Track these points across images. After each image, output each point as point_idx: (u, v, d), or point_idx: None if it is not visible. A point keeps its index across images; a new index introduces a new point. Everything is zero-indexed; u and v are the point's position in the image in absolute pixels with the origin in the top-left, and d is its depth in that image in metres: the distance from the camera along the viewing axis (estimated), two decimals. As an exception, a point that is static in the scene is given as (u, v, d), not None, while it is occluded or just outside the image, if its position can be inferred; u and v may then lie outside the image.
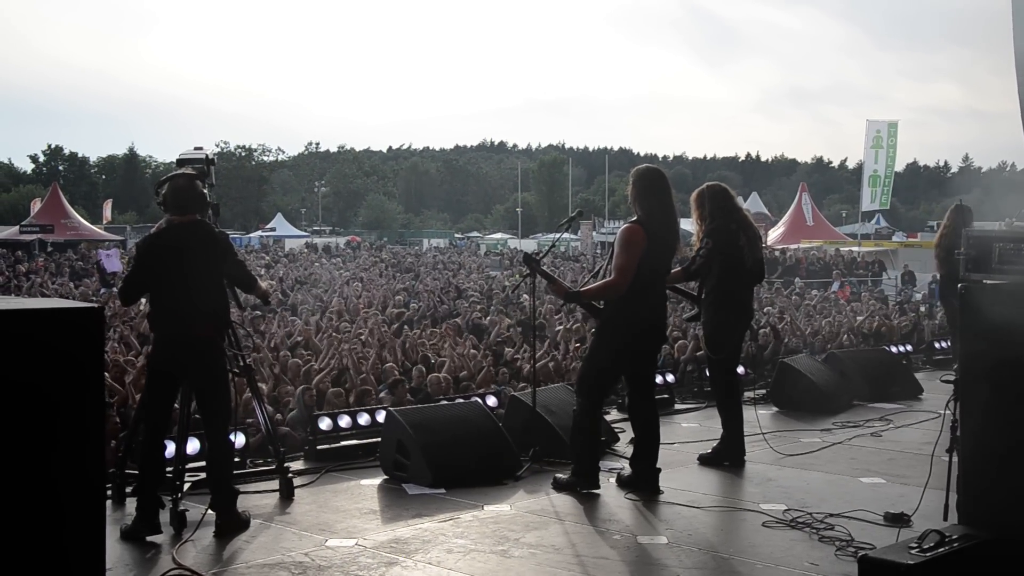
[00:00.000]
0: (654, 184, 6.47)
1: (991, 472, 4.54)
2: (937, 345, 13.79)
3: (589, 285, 6.72)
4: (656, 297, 6.48)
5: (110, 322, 12.75)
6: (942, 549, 4.23)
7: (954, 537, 4.35)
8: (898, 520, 5.68)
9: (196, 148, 6.63)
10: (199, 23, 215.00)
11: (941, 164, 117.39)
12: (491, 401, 8.28)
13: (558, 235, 9.53)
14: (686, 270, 7.29)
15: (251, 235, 63.38)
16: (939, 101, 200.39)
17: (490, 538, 5.50)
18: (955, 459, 4.84)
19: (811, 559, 5.15)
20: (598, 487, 6.47)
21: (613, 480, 6.68)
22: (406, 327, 14.37)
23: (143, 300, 6.94)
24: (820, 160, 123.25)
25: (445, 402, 8.00)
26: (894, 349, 12.62)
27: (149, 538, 5.42)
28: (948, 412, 4.87)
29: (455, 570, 4.97)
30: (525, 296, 17.33)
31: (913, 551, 4.19)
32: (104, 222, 54.67)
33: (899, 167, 47.67)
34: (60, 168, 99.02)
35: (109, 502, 5.91)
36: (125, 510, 5.92)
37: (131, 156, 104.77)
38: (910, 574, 4.04)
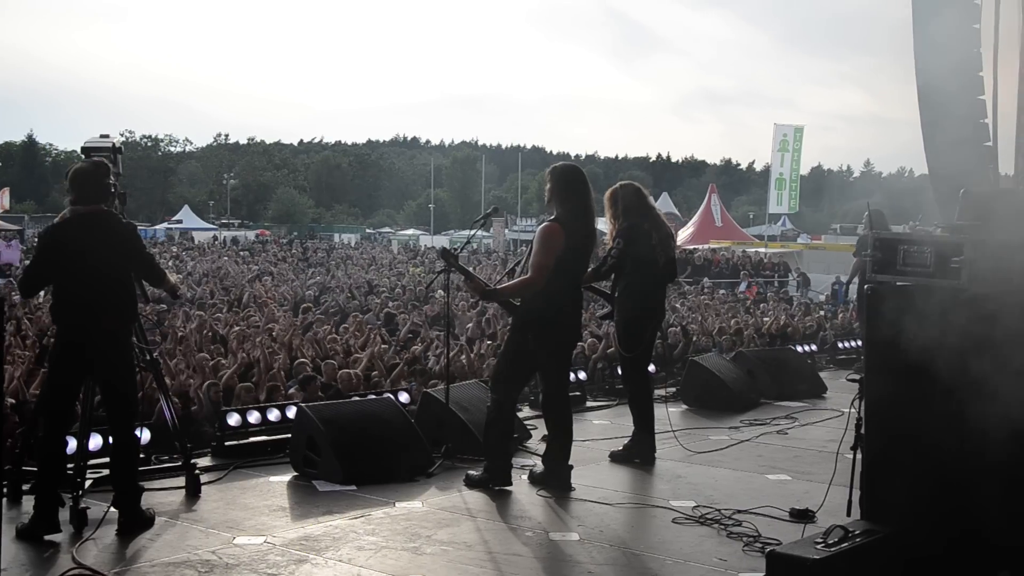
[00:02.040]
0: (574, 183, 6.48)
1: (892, 469, 4.67)
2: (840, 345, 14.14)
3: (505, 283, 6.73)
4: (571, 295, 6.50)
5: (10, 313, 12.33)
6: (845, 544, 4.33)
7: (857, 532, 4.46)
8: (803, 516, 5.81)
9: (102, 136, 6.45)
10: (106, 5, 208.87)
11: (845, 168, 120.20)
12: (403, 397, 8.21)
13: (472, 232, 9.52)
14: (596, 271, 7.30)
15: (156, 227, 61.91)
16: (844, 107, 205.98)
17: (401, 535, 5.46)
18: (859, 456, 4.96)
19: (720, 555, 5.23)
20: (510, 484, 6.47)
21: (525, 477, 6.69)
22: (316, 322, 14.19)
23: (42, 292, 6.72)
24: (729, 162, 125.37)
25: (357, 398, 7.92)
26: (799, 348, 12.90)
27: (47, 537, 5.24)
28: (853, 410, 4.98)
29: (366, 567, 4.92)
30: (440, 291, 17.27)
31: (818, 546, 4.28)
32: (0, 211, 52.79)
33: (804, 170, 48.80)
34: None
35: (4, 500, 5.70)
36: (21, 508, 5.71)
37: (30, 143, 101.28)
38: (815, 568, 4.13)
